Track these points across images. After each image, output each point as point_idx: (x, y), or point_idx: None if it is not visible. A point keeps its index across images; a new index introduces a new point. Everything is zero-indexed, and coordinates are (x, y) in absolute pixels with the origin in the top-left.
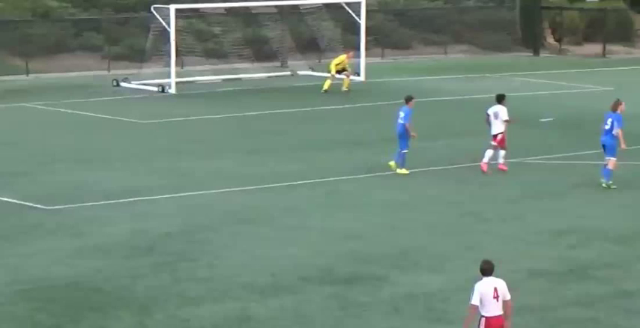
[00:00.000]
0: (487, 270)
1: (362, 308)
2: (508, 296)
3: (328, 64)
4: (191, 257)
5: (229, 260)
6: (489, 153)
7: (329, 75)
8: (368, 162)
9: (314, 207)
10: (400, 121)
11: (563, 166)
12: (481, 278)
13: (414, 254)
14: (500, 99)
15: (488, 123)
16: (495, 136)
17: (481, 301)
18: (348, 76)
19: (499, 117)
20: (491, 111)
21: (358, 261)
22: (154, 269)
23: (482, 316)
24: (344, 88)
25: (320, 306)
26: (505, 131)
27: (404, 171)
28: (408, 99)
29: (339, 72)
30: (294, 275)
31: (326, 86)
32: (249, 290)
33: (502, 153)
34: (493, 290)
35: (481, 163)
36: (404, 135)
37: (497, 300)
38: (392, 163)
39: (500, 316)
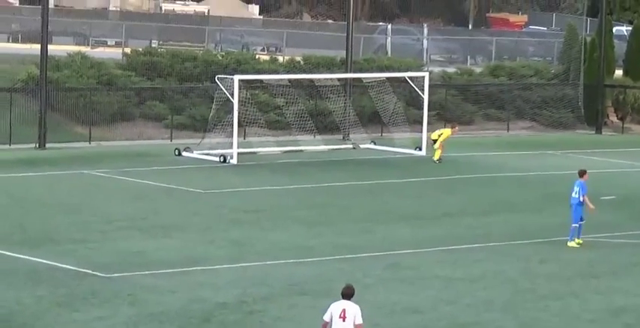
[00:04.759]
0: (345, 294)
1: None
2: (359, 321)
3: (432, 137)
4: None
5: None
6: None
7: (434, 145)
8: (427, 237)
9: (372, 280)
10: (574, 195)
11: (623, 245)
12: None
13: None
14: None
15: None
16: None
17: (332, 320)
18: (440, 147)
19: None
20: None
21: None
22: None
23: None
24: (435, 158)
25: None
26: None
27: (573, 244)
28: (582, 173)
29: (434, 141)
30: None
31: (437, 156)
32: None
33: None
34: (342, 310)
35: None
36: (578, 209)
37: (344, 321)
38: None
39: None
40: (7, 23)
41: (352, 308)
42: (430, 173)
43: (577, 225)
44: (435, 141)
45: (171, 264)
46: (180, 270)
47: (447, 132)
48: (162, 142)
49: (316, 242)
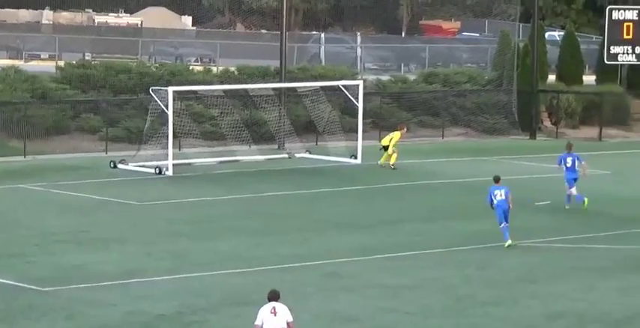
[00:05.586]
0: (271, 298)
1: None
2: (290, 319)
3: (383, 143)
4: None
5: None
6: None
7: (387, 151)
8: (366, 245)
9: (311, 289)
10: (501, 198)
11: (560, 249)
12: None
13: None
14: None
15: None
16: None
17: (263, 321)
18: (394, 152)
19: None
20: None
21: None
22: None
23: None
24: (391, 163)
25: None
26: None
27: (509, 242)
28: (498, 179)
29: (385, 148)
30: None
31: (393, 160)
32: None
33: None
34: (271, 307)
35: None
36: (507, 212)
37: (275, 315)
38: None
39: None
40: None
41: (281, 307)
42: (366, 181)
43: (507, 225)
44: (385, 147)
45: (109, 277)
46: (118, 283)
47: (396, 135)
48: (98, 155)
49: (255, 252)
